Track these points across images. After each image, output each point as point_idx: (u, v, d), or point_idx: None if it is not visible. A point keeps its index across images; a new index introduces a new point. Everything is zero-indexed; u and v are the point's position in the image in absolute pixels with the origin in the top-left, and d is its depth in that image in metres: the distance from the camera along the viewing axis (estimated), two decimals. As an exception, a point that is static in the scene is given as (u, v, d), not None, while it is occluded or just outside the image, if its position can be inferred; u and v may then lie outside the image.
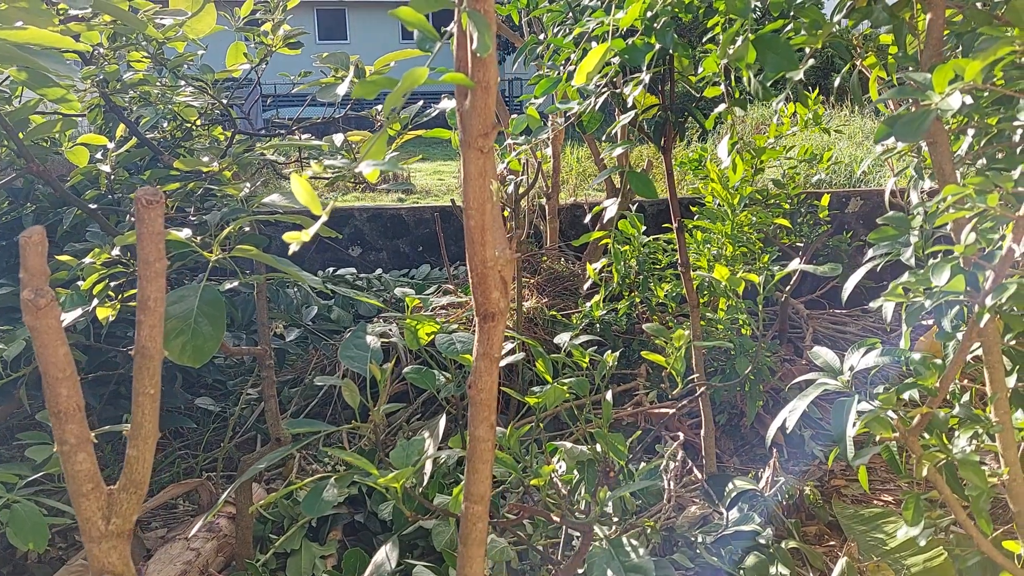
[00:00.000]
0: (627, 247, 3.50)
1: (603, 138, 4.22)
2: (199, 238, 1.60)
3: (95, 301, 1.81)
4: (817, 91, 3.42)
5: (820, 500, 2.78)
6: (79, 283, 1.82)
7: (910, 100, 1.32)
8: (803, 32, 1.53)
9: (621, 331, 3.60)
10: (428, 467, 1.64)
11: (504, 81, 19.89)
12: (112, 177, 2.45)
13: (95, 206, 2.34)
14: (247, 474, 1.48)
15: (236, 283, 1.54)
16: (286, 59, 2.85)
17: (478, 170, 0.96)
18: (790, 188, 3.79)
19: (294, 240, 0.70)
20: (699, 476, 2.89)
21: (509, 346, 1.97)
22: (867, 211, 5.16)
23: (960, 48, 1.60)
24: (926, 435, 1.58)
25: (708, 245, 3.40)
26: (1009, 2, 1.21)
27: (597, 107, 2.13)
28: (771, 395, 3.44)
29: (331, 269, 4.23)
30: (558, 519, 1.63)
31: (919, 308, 1.29)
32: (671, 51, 1.62)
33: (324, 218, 0.72)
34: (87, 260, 1.81)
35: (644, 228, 3.54)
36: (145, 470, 0.95)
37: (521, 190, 3.27)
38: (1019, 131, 1.32)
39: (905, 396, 1.54)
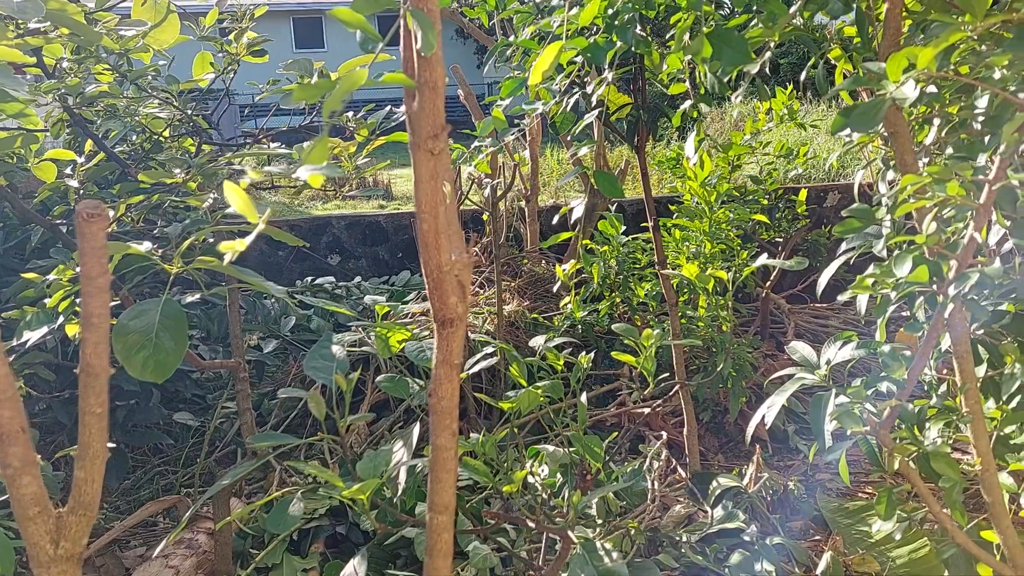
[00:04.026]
0: (607, 247, 3.49)
1: (570, 138, 4.20)
2: (161, 251, 1.57)
3: (61, 318, 1.78)
4: (792, 86, 3.43)
5: (804, 494, 2.78)
6: (46, 301, 1.78)
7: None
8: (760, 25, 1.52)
9: (603, 332, 3.59)
10: (402, 476, 1.62)
11: (483, 85, 19.89)
12: (81, 192, 2.41)
13: (61, 222, 2.30)
14: (212, 490, 1.45)
15: (198, 296, 1.51)
16: (262, 69, 2.81)
17: (429, 172, 0.94)
18: (767, 184, 3.79)
19: (228, 250, 0.68)
20: (683, 475, 2.88)
21: (489, 350, 1.95)
22: (845, 205, 5.17)
23: (924, 39, 1.60)
24: (903, 426, 1.57)
25: (687, 243, 3.40)
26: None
27: (568, 107, 2.12)
28: (754, 391, 3.44)
29: (309, 279, 4.19)
30: (534, 524, 1.61)
31: (887, 300, 1.28)
32: (634, 49, 1.62)
33: (261, 226, 0.70)
34: (51, 277, 1.78)
35: (624, 228, 3.53)
36: (95, 491, 0.92)
37: (498, 193, 3.25)
38: (980, 119, 1.32)
39: (883, 388, 1.53)
